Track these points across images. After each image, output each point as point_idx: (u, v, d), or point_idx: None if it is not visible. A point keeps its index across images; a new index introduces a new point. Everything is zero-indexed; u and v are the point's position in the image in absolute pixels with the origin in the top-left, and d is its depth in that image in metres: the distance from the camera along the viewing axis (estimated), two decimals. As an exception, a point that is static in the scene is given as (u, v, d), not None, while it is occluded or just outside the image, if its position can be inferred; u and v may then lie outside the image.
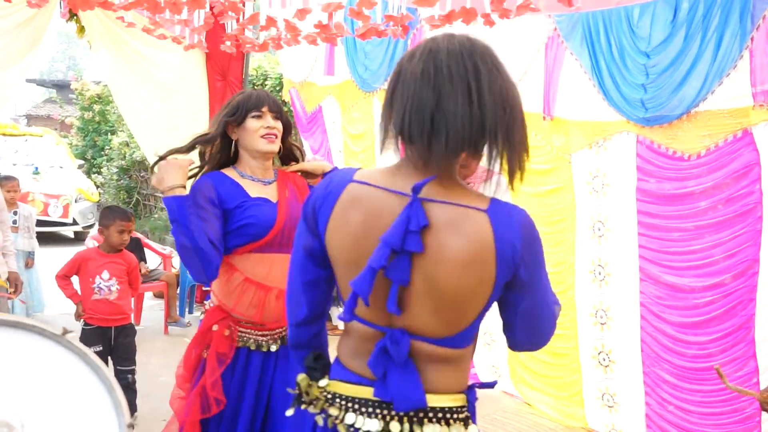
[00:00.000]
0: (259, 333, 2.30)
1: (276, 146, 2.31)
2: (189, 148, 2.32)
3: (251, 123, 2.27)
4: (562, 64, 3.81)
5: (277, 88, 9.13)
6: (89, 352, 1.75)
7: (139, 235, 6.71)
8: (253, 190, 2.29)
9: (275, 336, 2.32)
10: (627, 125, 3.51)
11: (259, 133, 2.27)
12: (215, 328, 2.30)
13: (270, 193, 2.31)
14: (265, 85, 10.16)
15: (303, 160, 2.47)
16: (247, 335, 2.30)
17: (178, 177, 2.15)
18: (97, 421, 1.73)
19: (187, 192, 2.17)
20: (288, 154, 2.44)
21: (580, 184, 3.88)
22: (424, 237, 1.25)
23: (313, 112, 6.28)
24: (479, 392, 1.44)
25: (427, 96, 1.25)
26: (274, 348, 2.31)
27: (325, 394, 1.42)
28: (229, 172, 2.32)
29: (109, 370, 1.57)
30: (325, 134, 5.92)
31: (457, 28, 3.74)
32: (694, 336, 3.34)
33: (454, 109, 1.23)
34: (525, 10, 2.92)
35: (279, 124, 2.31)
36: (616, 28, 3.45)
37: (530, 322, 1.39)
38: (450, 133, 1.23)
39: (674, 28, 3.18)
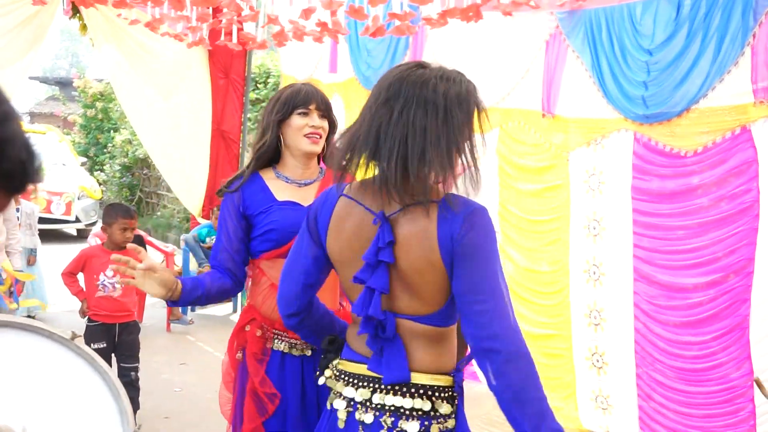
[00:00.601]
0: (291, 336, 2.20)
1: (319, 147, 2.19)
2: (255, 163, 2.24)
3: (296, 120, 2.17)
4: (564, 62, 3.80)
5: (279, 86, 9.13)
6: (97, 357, 1.74)
7: (141, 232, 6.71)
8: (284, 193, 2.19)
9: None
10: (625, 123, 3.49)
11: (303, 131, 2.16)
12: (248, 328, 2.24)
13: (304, 195, 2.19)
14: (267, 83, 10.15)
15: None
16: (279, 337, 2.22)
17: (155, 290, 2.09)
18: (102, 428, 1.72)
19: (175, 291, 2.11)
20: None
21: (576, 183, 3.87)
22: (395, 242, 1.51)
23: (317, 109, 6.28)
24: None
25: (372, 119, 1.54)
26: (308, 353, 2.19)
27: (335, 371, 1.64)
28: (265, 173, 2.24)
29: (116, 376, 1.56)
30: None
31: (454, 25, 3.74)
32: (689, 336, 3.31)
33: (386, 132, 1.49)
34: (519, 7, 2.93)
35: (325, 124, 2.21)
36: (619, 26, 3.44)
37: (470, 308, 1.46)
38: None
39: (677, 25, 3.16)
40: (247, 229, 2.21)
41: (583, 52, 3.67)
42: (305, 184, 2.22)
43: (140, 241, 6.21)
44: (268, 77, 10.20)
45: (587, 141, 3.75)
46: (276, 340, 2.21)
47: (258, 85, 10.13)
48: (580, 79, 3.71)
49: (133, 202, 12.50)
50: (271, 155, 2.23)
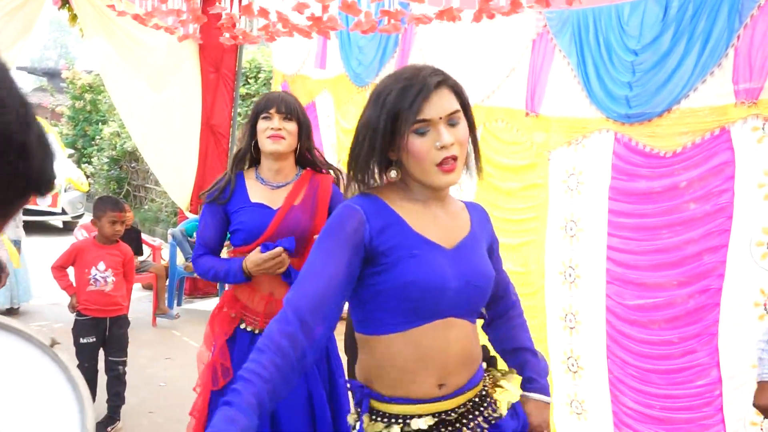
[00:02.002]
0: (262, 320, 2.40)
1: (281, 146, 2.40)
2: (233, 168, 2.49)
3: (260, 124, 2.42)
4: (551, 61, 3.79)
5: (270, 81, 9.09)
6: (72, 367, 1.72)
7: (137, 226, 6.66)
8: (257, 194, 2.42)
9: None
10: (606, 123, 3.48)
11: (265, 133, 2.40)
12: (225, 309, 2.47)
13: (275, 198, 2.42)
14: (258, 78, 10.11)
15: (319, 162, 2.54)
16: (250, 319, 2.43)
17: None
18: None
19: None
20: (302, 156, 2.52)
21: (555, 182, 3.84)
22: None
23: (308, 106, 6.27)
24: None
25: None
26: None
27: None
28: (248, 173, 2.48)
29: (86, 390, 1.54)
30: (318, 129, 5.92)
31: (443, 23, 3.73)
32: (659, 336, 3.27)
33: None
34: (514, 10, 2.95)
35: (290, 125, 2.42)
36: (606, 26, 3.44)
37: None
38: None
39: (664, 26, 3.17)
40: (225, 220, 2.45)
41: (570, 51, 3.66)
42: (278, 187, 2.44)
43: (137, 235, 6.18)
44: (258, 72, 10.16)
45: (568, 140, 3.73)
46: (245, 322, 2.42)
47: (249, 80, 10.09)
48: (565, 78, 3.71)
49: (120, 195, 12.41)
50: (251, 159, 2.49)
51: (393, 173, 1.48)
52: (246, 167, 2.51)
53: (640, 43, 3.27)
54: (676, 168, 3.19)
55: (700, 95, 3.05)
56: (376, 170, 1.47)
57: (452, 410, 1.48)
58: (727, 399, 3.00)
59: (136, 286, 6.61)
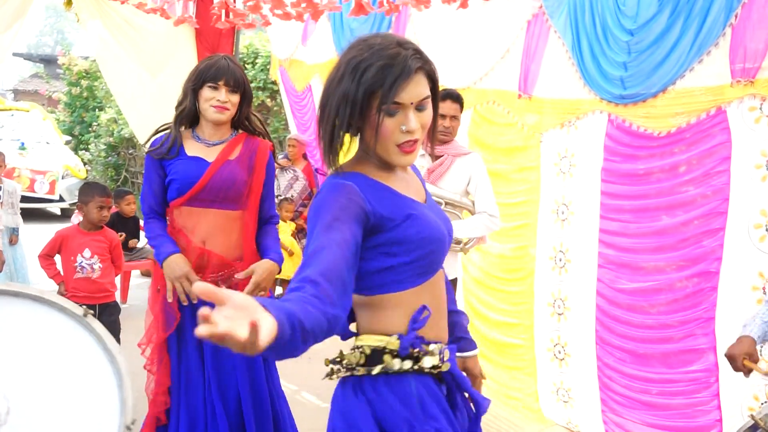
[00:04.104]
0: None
1: (223, 116, 2.54)
2: (176, 125, 2.59)
3: (206, 92, 2.51)
4: (546, 42, 3.73)
5: (268, 66, 9.05)
6: (109, 338, 1.69)
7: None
8: (193, 149, 2.56)
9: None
10: (600, 104, 3.42)
11: (210, 102, 2.51)
12: (159, 289, 2.61)
13: (210, 153, 2.55)
14: (256, 63, 10.06)
15: (256, 128, 2.68)
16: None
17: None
18: (98, 416, 1.68)
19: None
20: (243, 123, 2.65)
21: (547, 165, 3.79)
22: None
23: (304, 91, 6.23)
24: None
25: None
26: (222, 285, 2.53)
27: None
28: (184, 132, 2.60)
29: (124, 362, 1.51)
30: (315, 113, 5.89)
31: (437, 5, 3.69)
32: (654, 321, 3.22)
33: None
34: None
35: (234, 97, 2.54)
36: (602, 6, 3.38)
37: None
38: None
39: (661, 5, 3.11)
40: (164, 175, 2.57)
41: (565, 32, 3.60)
42: (213, 145, 2.58)
43: (135, 224, 6.15)
44: (256, 57, 10.11)
45: (561, 122, 3.68)
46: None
47: (246, 65, 10.03)
48: (560, 60, 3.65)
49: (118, 182, 12.39)
50: (191, 118, 2.59)
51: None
52: (185, 128, 2.63)
53: (636, 23, 3.21)
54: (670, 148, 3.13)
55: (696, 75, 3.00)
56: (344, 138, 1.49)
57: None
58: (723, 385, 2.95)
59: (135, 273, 6.60)
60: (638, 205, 3.29)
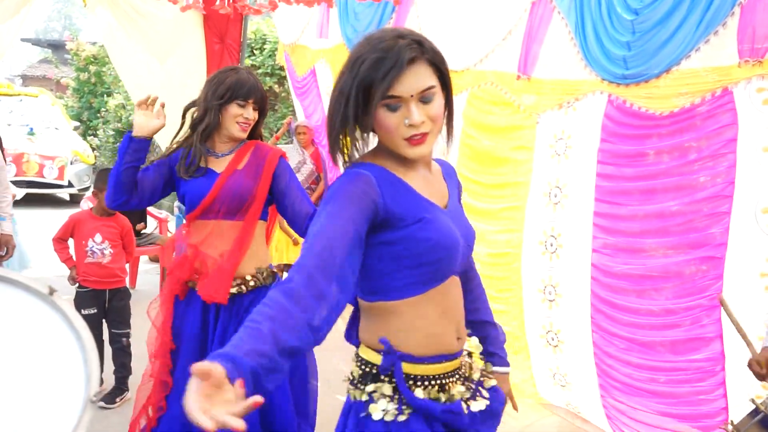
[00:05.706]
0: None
1: (246, 134, 2.56)
2: (198, 141, 2.56)
3: (234, 109, 2.49)
4: (548, 23, 3.64)
5: (275, 52, 9.02)
6: (73, 314, 1.70)
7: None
8: (203, 161, 2.54)
9: None
10: (600, 84, 3.31)
11: (237, 119, 2.50)
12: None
13: (219, 164, 2.54)
14: (264, 48, 10.04)
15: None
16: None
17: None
18: (62, 389, 1.69)
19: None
20: (252, 131, 2.64)
21: (542, 146, 3.67)
22: None
23: (305, 76, 6.20)
24: None
25: None
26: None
27: None
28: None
29: (90, 338, 1.51)
30: (320, 98, 5.86)
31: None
32: (650, 306, 3.12)
33: None
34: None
35: (256, 114, 2.56)
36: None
37: None
38: None
39: (669, -18, 2.99)
40: (168, 180, 2.57)
41: (569, 12, 3.50)
42: (222, 156, 2.56)
43: (142, 209, 6.17)
44: (264, 43, 10.09)
45: (559, 103, 3.56)
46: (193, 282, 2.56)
47: (254, 51, 10.02)
48: (562, 41, 3.55)
49: (126, 167, 12.40)
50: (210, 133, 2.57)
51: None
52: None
53: (642, 2, 3.11)
54: (672, 129, 3.01)
55: (702, 55, 2.87)
56: (356, 134, 1.45)
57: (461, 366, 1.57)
58: (730, 373, 2.86)
59: (143, 259, 6.64)
60: (637, 187, 3.15)
